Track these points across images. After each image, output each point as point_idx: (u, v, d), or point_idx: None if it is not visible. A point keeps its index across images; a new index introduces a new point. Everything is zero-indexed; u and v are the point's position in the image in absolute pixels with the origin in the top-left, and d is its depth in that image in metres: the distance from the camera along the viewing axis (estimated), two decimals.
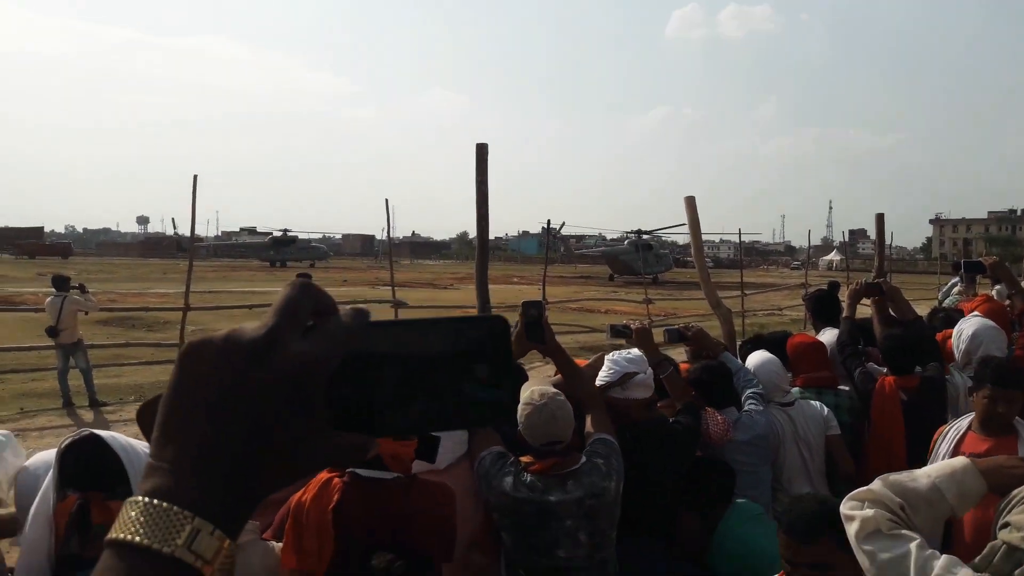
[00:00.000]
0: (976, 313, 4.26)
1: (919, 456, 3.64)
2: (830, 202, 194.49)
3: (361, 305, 0.62)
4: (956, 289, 11.71)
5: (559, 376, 3.05)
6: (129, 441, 1.80)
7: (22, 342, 13.08)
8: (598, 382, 3.04)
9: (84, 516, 1.67)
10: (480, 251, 4.60)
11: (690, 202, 5.71)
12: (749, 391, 3.62)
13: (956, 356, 4.07)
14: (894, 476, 1.65)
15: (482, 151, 4.40)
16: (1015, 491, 1.36)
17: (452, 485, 2.39)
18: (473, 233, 4.75)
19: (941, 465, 1.69)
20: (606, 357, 3.14)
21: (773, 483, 3.60)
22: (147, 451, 1.80)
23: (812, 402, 3.83)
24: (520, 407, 2.56)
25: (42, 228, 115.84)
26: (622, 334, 3.64)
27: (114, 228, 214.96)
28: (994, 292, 7.90)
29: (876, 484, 1.64)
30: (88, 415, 10.22)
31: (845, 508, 1.63)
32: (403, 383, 0.58)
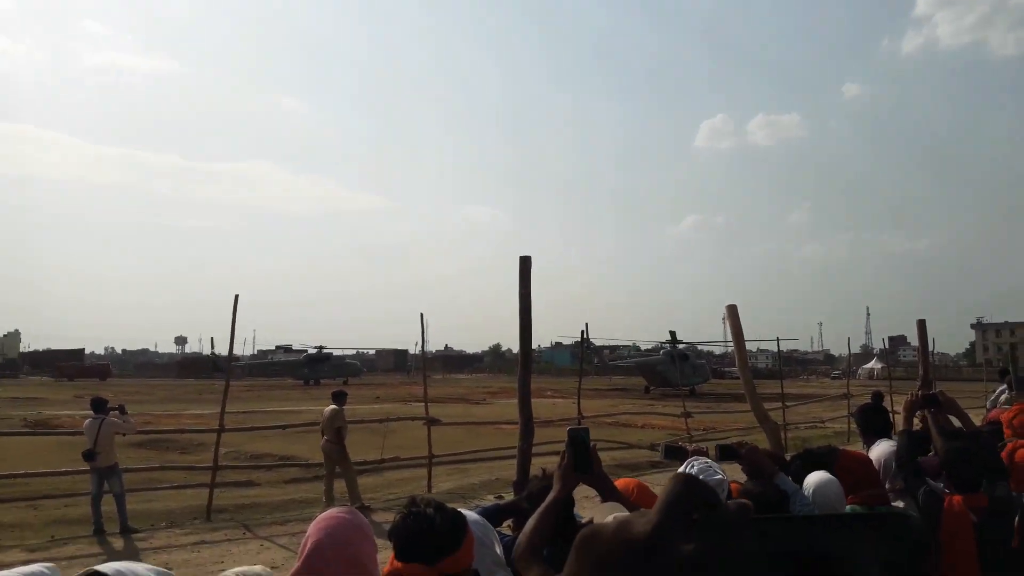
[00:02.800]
0: None
1: None
2: (867, 308, 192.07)
3: (744, 500, 0.61)
4: (1004, 397, 11.38)
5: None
6: (133, 570, 1.70)
7: (57, 467, 13.04)
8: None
9: None
10: (523, 364, 4.53)
11: (732, 310, 5.58)
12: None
13: None
14: None
15: (525, 264, 4.39)
16: None
17: None
18: (506, 345, 4.74)
19: None
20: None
21: None
22: None
23: None
24: None
25: (82, 350, 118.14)
26: (676, 456, 3.50)
27: (152, 349, 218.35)
28: None
29: None
30: (119, 543, 10.03)
31: None
32: None
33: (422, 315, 14.83)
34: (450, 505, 2.25)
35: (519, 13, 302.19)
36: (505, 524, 3.13)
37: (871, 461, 4.05)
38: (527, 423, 4.29)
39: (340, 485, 12.57)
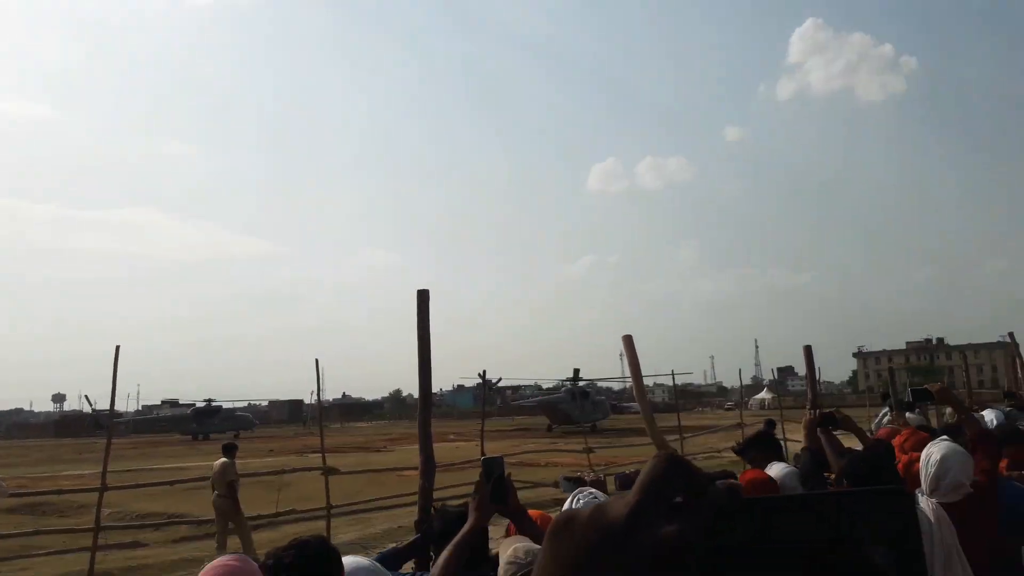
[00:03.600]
0: (945, 438, 4.23)
1: None
2: (756, 341, 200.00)
3: (734, 481, 0.54)
4: (886, 419, 11.96)
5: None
6: None
7: None
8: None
9: None
10: (423, 402, 4.42)
11: (628, 341, 5.61)
12: None
13: (923, 482, 3.99)
14: None
15: (423, 297, 4.32)
16: None
17: None
18: (407, 391, 4.62)
19: None
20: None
21: None
22: None
23: None
24: (503, 566, 2.36)
25: None
26: (575, 485, 3.50)
27: (27, 408, 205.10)
28: (908, 418, 8.06)
29: None
30: None
31: None
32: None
33: (317, 361, 14.44)
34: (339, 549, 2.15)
35: (407, 54, 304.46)
36: (406, 566, 3.02)
37: (773, 481, 4.14)
38: (427, 461, 4.19)
39: (234, 541, 12.01)
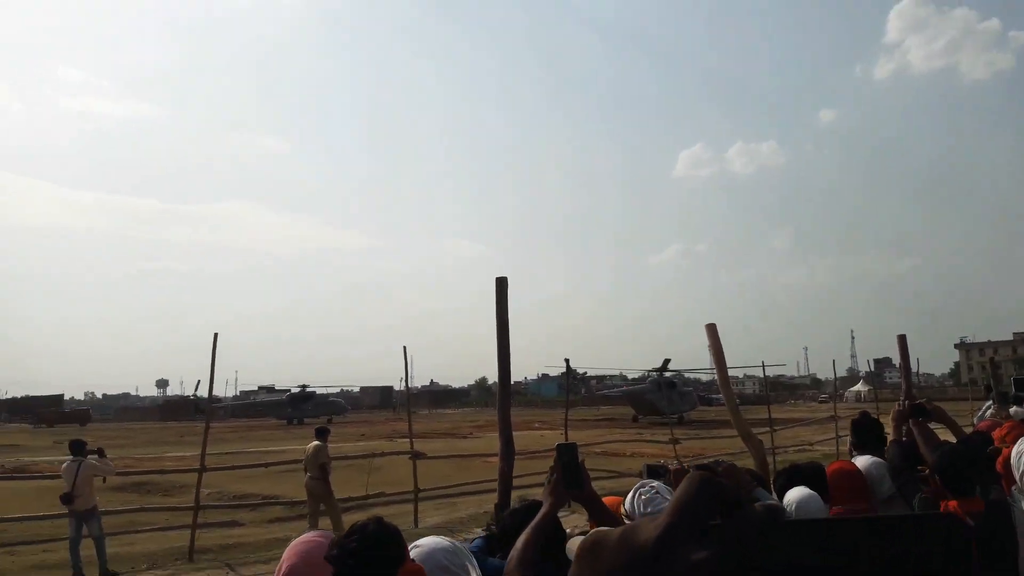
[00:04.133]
0: None
1: None
2: (852, 332, 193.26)
3: (774, 502, 0.54)
4: (989, 412, 11.38)
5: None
6: None
7: (35, 512, 12.77)
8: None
9: None
10: (502, 387, 4.46)
11: (712, 329, 5.55)
12: None
13: (1017, 479, 3.80)
14: None
15: (502, 285, 4.35)
16: None
17: None
18: (492, 379, 4.64)
19: None
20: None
21: None
22: None
23: None
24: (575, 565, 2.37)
25: (61, 396, 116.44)
26: (658, 475, 3.46)
27: (133, 393, 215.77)
28: (1012, 411, 7.63)
29: None
30: None
31: None
32: None
33: (405, 348, 14.71)
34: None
35: (507, 47, 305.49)
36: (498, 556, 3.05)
37: (860, 472, 4.01)
38: (507, 445, 4.22)
39: (325, 522, 12.37)
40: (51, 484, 12.88)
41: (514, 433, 5.31)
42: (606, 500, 2.98)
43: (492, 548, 3.03)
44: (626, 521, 2.86)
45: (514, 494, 3.67)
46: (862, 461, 4.28)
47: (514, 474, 5.45)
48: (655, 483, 3.05)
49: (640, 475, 3.67)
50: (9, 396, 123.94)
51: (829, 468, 4.02)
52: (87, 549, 10.54)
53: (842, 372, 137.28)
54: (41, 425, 73.15)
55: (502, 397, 4.40)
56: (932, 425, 4.39)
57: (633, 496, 2.92)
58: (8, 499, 15.45)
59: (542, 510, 2.74)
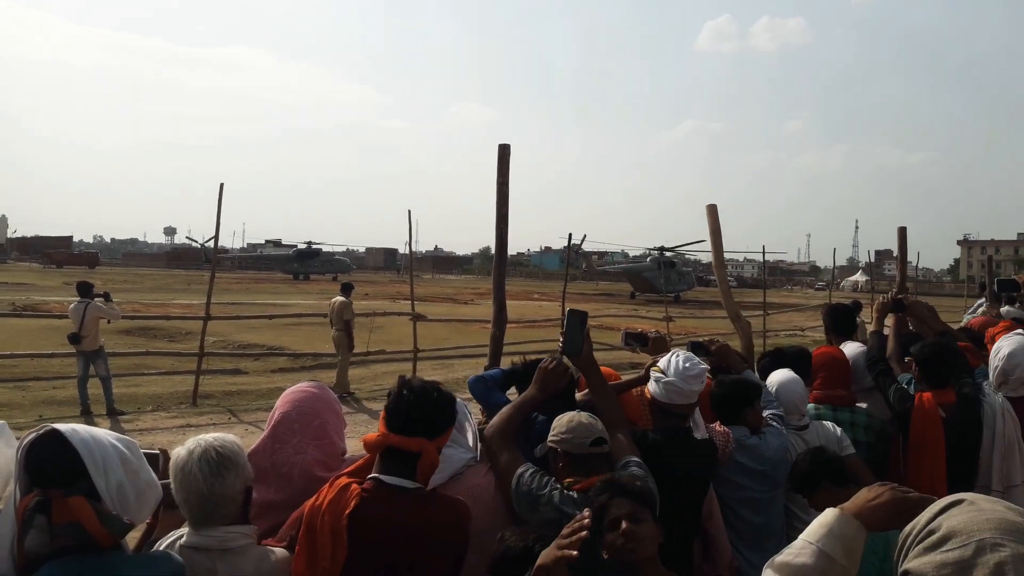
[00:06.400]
0: (1020, 332, 4.12)
1: (960, 475, 3.53)
2: (856, 221, 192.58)
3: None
4: (981, 310, 11.52)
5: (585, 393, 2.98)
6: (93, 435, 1.76)
7: (45, 350, 13.19)
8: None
9: (45, 512, 1.64)
10: (498, 254, 4.50)
11: (712, 210, 5.58)
12: (769, 411, 3.49)
13: (991, 375, 3.94)
14: (779, 559, 1.58)
15: (504, 151, 4.33)
16: (906, 531, 1.23)
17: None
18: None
19: (816, 526, 1.60)
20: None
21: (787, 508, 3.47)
22: (114, 444, 1.77)
23: (825, 423, 3.70)
24: (549, 436, 2.53)
25: (71, 238, 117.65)
26: (637, 341, 3.55)
27: (141, 239, 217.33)
28: (1003, 311, 7.74)
29: (766, 574, 1.58)
30: (105, 424, 10.24)
31: None
32: None
33: (409, 212, 14.71)
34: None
35: None
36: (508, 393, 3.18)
37: (845, 359, 4.11)
38: (500, 311, 4.32)
39: (325, 374, 12.83)
40: (60, 324, 13.26)
41: (513, 303, 5.46)
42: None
43: (507, 383, 3.15)
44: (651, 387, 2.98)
45: (504, 360, 3.79)
46: (850, 348, 4.38)
47: (510, 341, 5.60)
48: (685, 351, 3.12)
49: (621, 341, 3.71)
50: (19, 235, 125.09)
51: (815, 352, 4.13)
52: (94, 388, 10.96)
53: (842, 261, 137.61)
54: (50, 265, 74.20)
55: (497, 264, 4.47)
56: None
57: (670, 358, 2.98)
58: (19, 336, 15.89)
59: (527, 392, 2.87)
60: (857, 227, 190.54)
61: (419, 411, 2.10)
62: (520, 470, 2.56)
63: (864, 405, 3.98)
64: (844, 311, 5.03)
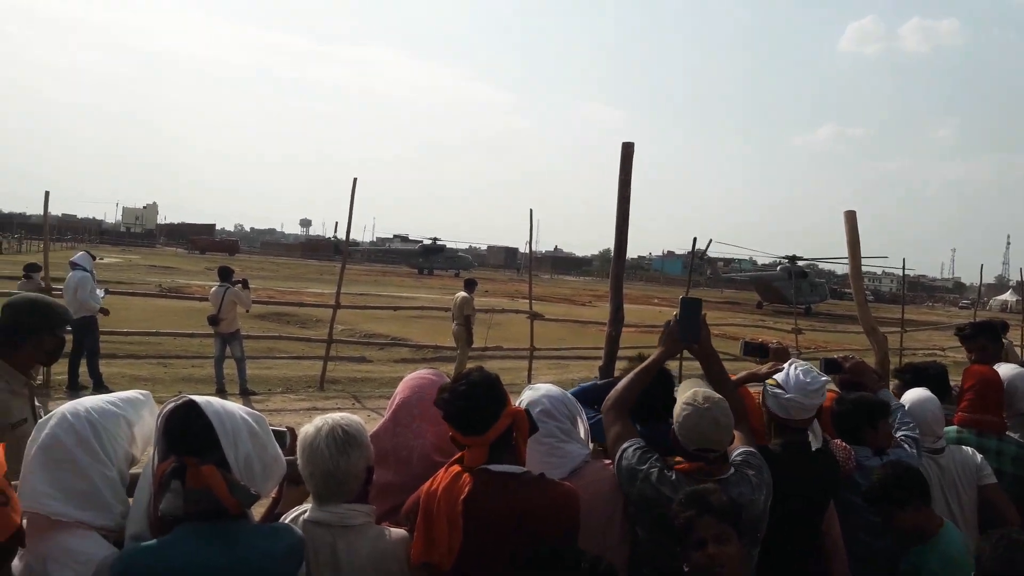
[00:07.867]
0: None
1: None
2: (1008, 237, 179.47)
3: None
4: None
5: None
6: (226, 407, 1.85)
7: (186, 330, 14.06)
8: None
9: (180, 477, 1.74)
10: (617, 253, 4.41)
11: (850, 217, 5.29)
12: (902, 432, 3.29)
13: None
14: None
15: (627, 149, 4.24)
16: None
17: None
18: None
19: None
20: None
21: None
22: (245, 418, 1.86)
23: (964, 448, 3.45)
24: (679, 406, 2.46)
25: (213, 225, 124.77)
26: (757, 351, 3.39)
27: (279, 229, 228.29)
28: None
29: None
30: (238, 403, 10.79)
31: None
32: None
33: (531, 212, 14.80)
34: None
35: None
36: None
37: (999, 381, 3.80)
38: (616, 311, 4.25)
39: (444, 367, 13.07)
40: (201, 306, 14.09)
41: (632, 306, 5.37)
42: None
43: (588, 398, 3.10)
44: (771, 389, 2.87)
45: (619, 364, 3.74)
46: (1005, 370, 4.03)
47: (627, 345, 5.50)
48: (803, 362, 2.99)
49: (740, 351, 3.54)
50: (167, 221, 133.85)
51: (967, 371, 3.84)
52: (230, 368, 11.59)
53: (990, 279, 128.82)
54: (194, 251, 78.98)
55: (616, 263, 4.39)
56: None
57: (789, 368, 2.88)
58: (163, 316, 17.01)
59: (652, 356, 2.81)
60: (1009, 243, 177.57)
61: (464, 413, 2.19)
62: (625, 444, 2.56)
63: (1016, 435, 3.69)
64: (993, 328, 4.60)
